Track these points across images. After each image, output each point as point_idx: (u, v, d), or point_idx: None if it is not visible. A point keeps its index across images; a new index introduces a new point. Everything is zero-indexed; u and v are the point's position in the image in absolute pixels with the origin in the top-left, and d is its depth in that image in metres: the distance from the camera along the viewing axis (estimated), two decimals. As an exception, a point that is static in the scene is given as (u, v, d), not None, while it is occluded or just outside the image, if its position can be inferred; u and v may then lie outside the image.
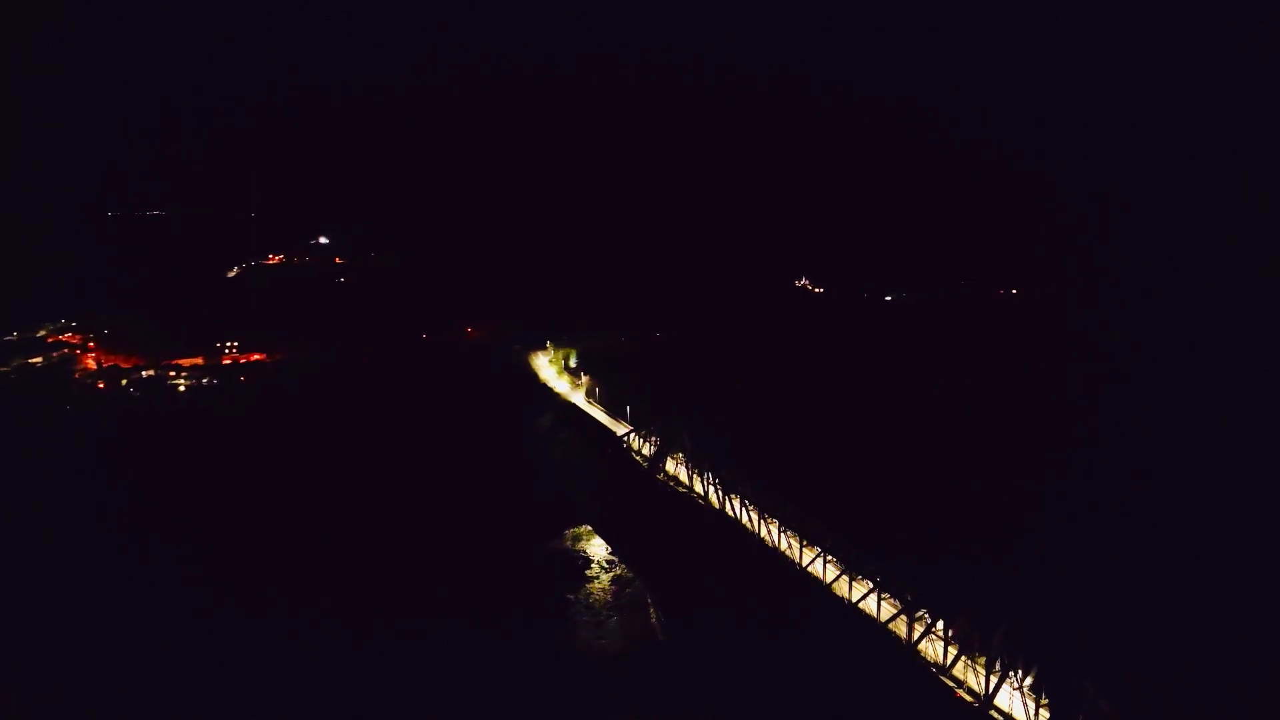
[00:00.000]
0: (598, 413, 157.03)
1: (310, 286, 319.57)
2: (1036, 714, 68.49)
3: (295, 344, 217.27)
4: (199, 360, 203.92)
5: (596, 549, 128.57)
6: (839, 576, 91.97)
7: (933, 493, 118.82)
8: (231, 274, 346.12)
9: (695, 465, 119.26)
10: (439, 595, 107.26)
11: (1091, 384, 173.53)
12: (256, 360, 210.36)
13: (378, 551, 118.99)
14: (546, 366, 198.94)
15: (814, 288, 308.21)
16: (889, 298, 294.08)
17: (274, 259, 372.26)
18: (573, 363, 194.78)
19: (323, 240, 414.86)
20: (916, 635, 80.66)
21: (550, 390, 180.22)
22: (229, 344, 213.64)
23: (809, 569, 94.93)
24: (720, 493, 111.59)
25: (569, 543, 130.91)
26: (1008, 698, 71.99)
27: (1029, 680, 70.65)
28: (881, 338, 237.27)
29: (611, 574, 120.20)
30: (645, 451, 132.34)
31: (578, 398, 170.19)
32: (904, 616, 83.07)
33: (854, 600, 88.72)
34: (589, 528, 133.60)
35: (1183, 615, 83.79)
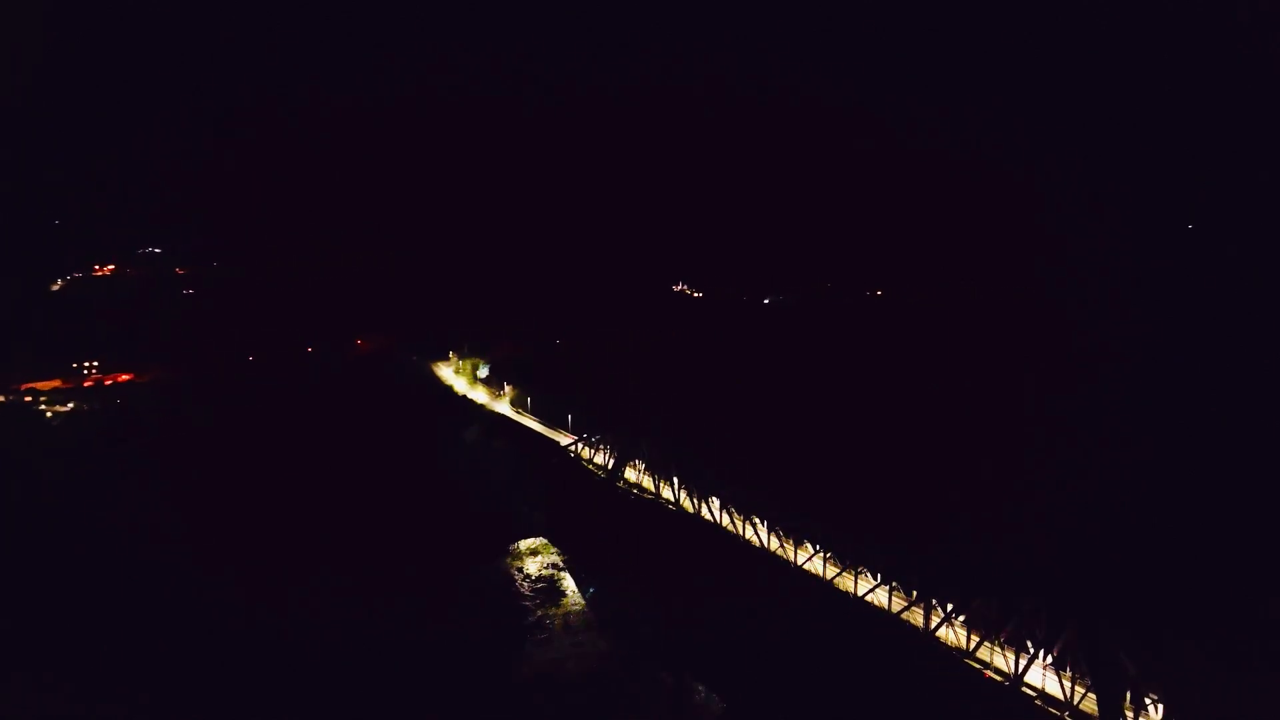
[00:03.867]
0: (532, 423, 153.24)
1: (153, 299, 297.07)
2: (1072, 689, 73.07)
3: (165, 361, 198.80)
4: (58, 383, 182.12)
5: (554, 561, 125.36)
6: (840, 573, 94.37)
7: (894, 484, 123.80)
8: (56, 286, 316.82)
9: (660, 472, 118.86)
10: (405, 623, 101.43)
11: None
12: (126, 381, 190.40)
13: (328, 579, 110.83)
14: (454, 377, 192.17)
15: (693, 292, 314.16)
16: (767, 300, 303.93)
17: (102, 270, 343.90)
18: (483, 373, 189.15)
19: (155, 250, 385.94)
20: (934, 623, 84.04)
21: (471, 401, 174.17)
22: (88, 364, 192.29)
23: (805, 567, 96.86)
24: (695, 497, 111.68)
25: (524, 556, 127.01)
26: (1040, 675, 76.39)
27: (1053, 657, 75.37)
28: (776, 338, 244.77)
29: (579, 587, 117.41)
30: (599, 460, 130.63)
31: (503, 408, 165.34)
32: (917, 607, 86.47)
33: (860, 594, 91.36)
34: (543, 540, 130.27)
35: (1183, 597, 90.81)
